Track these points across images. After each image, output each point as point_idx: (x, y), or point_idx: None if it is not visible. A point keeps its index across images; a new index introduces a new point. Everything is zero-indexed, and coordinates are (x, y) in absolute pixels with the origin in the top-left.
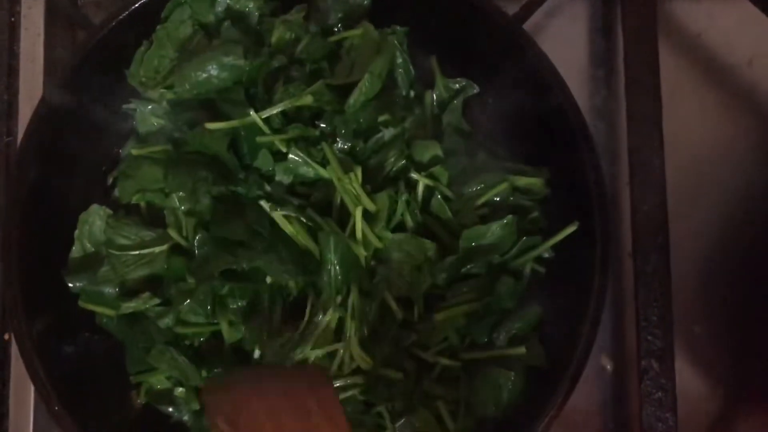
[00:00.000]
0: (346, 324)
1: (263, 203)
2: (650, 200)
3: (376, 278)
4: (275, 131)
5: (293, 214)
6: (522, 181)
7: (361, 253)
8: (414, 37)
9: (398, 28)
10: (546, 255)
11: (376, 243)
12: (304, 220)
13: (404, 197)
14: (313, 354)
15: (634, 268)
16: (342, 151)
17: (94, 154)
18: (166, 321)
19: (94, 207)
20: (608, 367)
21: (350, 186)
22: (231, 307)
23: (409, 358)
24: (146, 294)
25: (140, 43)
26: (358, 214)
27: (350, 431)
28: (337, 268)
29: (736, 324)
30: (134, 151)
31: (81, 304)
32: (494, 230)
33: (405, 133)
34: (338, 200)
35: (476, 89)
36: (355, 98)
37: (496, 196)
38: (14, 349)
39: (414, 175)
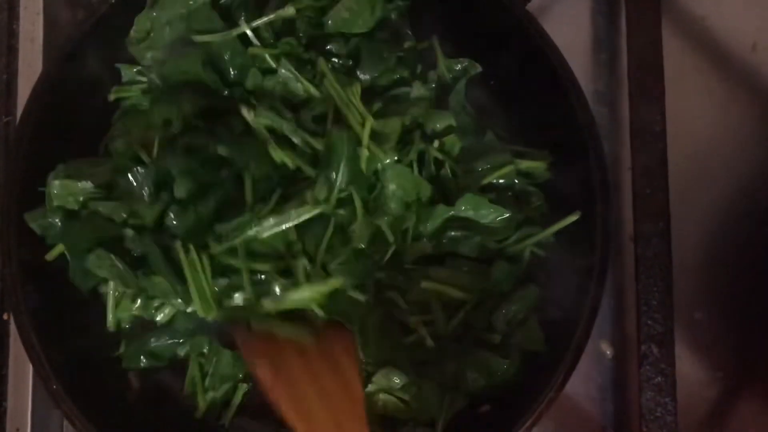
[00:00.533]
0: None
1: (244, 110)
2: (652, 184)
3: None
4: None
5: (275, 124)
6: (524, 164)
7: (365, 154)
8: (414, 17)
9: (400, 2)
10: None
11: (381, 157)
12: (287, 131)
13: (420, 147)
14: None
15: (635, 253)
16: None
17: (94, 131)
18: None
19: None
20: (608, 352)
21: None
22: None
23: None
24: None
25: None
26: (367, 125)
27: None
28: (343, 169)
29: (736, 310)
30: (111, 96)
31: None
32: (492, 216)
33: (432, 95)
34: (329, 124)
35: (479, 69)
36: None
37: (501, 178)
38: (13, 328)
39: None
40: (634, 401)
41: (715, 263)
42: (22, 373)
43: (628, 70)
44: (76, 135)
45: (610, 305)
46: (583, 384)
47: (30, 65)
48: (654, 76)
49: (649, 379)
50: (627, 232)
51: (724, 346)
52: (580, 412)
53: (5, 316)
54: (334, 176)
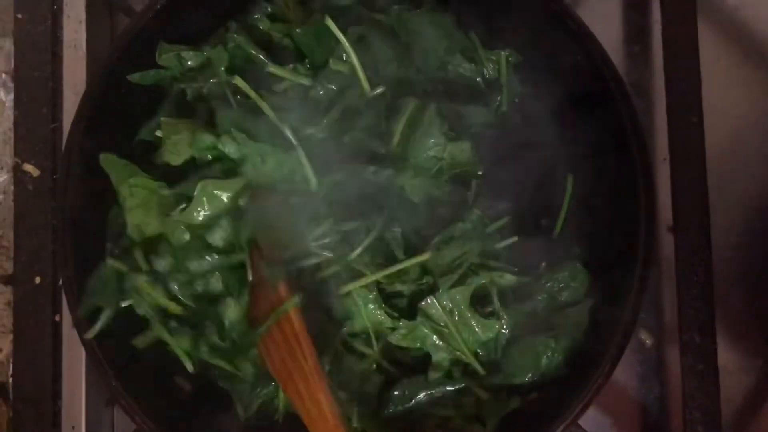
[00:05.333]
0: None
1: None
2: (690, 174)
3: None
4: None
5: None
6: None
7: None
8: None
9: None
10: None
11: None
12: None
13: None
14: None
15: (675, 243)
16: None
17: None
18: None
19: None
20: (648, 341)
21: None
22: None
23: None
24: None
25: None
26: None
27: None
28: None
29: None
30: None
31: None
32: None
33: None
34: None
35: (519, 58)
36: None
37: None
38: (65, 329)
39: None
40: (676, 389)
41: (752, 251)
42: (76, 372)
43: (664, 61)
44: (125, 134)
45: (648, 294)
46: (624, 372)
47: (74, 72)
48: (690, 67)
49: (691, 366)
50: (665, 222)
51: (762, 333)
52: (622, 401)
53: (57, 318)
54: None
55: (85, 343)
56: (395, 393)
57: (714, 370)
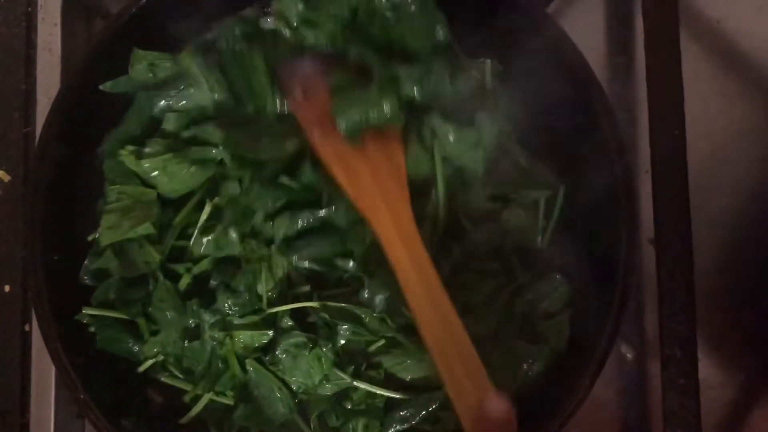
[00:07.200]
0: None
1: None
2: (672, 187)
3: None
4: None
5: None
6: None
7: None
8: None
9: None
10: None
11: None
12: None
13: None
14: None
15: (657, 256)
16: None
17: None
18: None
19: None
20: (628, 355)
21: None
22: None
23: None
24: None
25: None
26: None
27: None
28: None
29: (756, 312)
30: None
31: None
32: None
33: None
34: None
35: (500, 68)
36: None
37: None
38: (35, 340)
39: None
40: (657, 403)
41: (734, 264)
42: (45, 384)
43: (647, 73)
44: (98, 140)
45: (629, 308)
46: (605, 386)
47: (48, 76)
48: (672, 79)
49: (672, 381)
50: (646, 234)
51: (744, 347)
52: (602, 415)
53: (27, 327)
54: None
55: (51, 353)
56: (399, 414)
57: (695, 384)
